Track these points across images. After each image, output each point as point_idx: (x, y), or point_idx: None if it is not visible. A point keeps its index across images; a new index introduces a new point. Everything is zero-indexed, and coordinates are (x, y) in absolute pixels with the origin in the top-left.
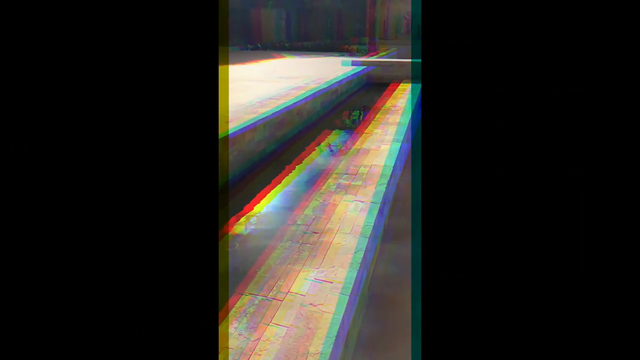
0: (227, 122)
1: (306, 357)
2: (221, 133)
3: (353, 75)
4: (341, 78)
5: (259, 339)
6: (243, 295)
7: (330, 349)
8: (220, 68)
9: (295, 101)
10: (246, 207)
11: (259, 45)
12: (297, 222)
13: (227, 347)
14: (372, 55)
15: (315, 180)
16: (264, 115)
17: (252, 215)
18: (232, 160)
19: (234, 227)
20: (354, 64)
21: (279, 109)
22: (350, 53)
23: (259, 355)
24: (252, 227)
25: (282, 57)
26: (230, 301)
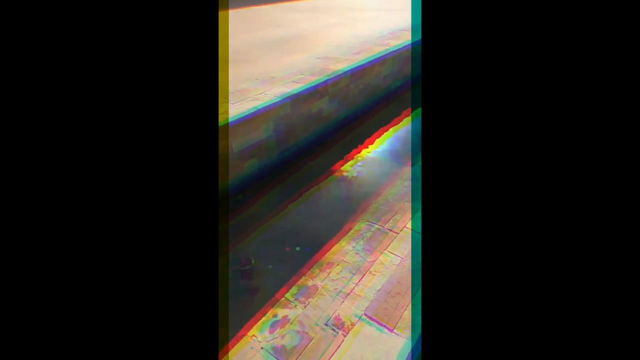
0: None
1: (418, 289)
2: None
3: None
4: None
5: (374, 261)
6: (359, 222)
7: None
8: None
9: None
10: (367, 140)
11: None
12: (417, 163)
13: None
14: None
15: None
16: (394, 49)
17: (372, 150)
18: (357, 93)
19: (353, 158)
20: None
21: (410, 42)
22: None
23: (374, 274)
24: (371, 161)
25: None
26: (346, 227)
